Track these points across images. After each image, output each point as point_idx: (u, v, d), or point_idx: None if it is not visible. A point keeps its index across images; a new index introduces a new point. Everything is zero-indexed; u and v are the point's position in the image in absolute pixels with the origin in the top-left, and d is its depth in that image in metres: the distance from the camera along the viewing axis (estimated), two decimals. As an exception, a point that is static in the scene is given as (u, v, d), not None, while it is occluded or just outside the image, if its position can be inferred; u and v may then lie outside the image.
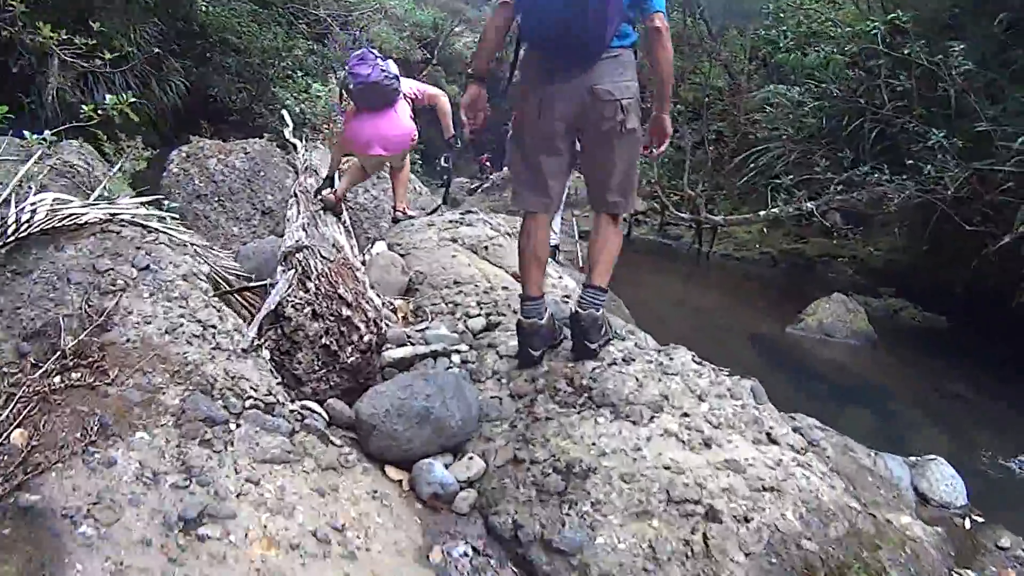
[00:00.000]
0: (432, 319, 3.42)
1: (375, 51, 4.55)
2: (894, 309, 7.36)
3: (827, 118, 8.46)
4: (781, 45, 9.20)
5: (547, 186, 2.73)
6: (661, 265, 9.07)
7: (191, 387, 2.20)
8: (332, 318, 2.65)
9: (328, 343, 2.59)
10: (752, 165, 9.25)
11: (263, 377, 2.46)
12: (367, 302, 2.78)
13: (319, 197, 4.69)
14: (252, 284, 3.01)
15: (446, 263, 3.95)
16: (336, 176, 5.25)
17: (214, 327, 2.51)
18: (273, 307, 2.70)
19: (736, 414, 2.46)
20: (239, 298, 3.28)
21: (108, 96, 3.16)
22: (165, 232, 2.98)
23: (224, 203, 7.05)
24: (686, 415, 2.43)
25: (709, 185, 9.90)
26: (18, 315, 2.32)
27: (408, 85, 4.77)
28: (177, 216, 4.81)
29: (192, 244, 3.15)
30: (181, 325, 2.42)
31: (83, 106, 3.12)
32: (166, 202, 4.37)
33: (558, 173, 2.76)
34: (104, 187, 3.10)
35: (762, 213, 8.44)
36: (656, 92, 2.60)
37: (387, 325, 2.92)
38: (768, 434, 2.40)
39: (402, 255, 4.14)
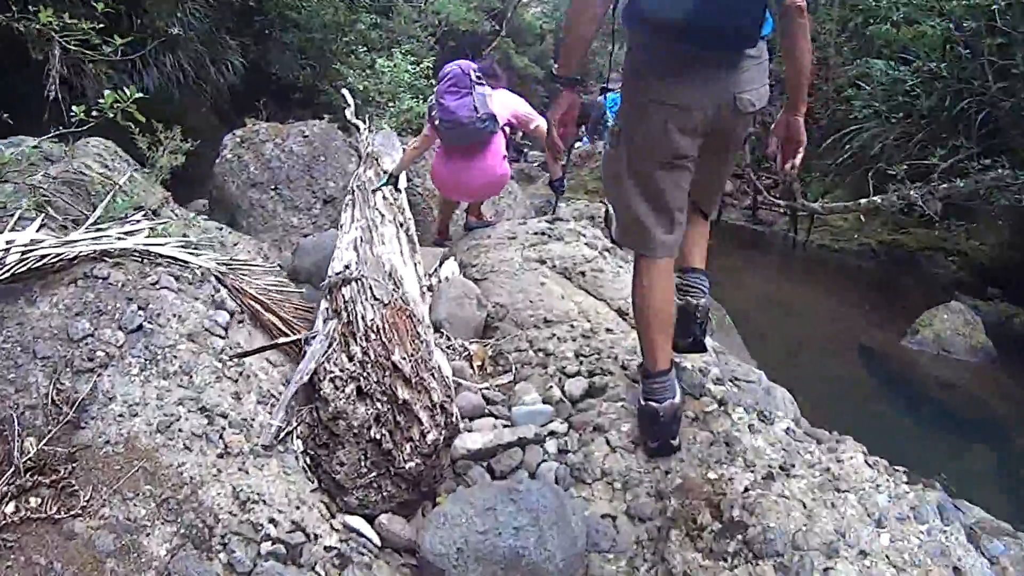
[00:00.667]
0: (517, 373, 2.68)
1: (473, 66, 3.79)
2: (1006, 315, 6.37)
3: (927, 97, 7.35)
4: (880, 14, 8.03)
5: (672, 219, 2.05)
6: (754, 257, 8.12)
7: (184, 529, 1.53)
8: (384, 400, 1.94)
9: (378, 436, 1.89)
10: (847, 146, 8.13)
11: (290, 489, 1.78)
12: (432, 374, 2.05)
13: (378, 194, 4.15)
14: (280, 341, 2.31)
15: (533, 293, 3.18)
16: (403, 176, 4.58)
17: (224, 415, 1.83)
18: (306, 379, 2.01)
19: (922, 545, 1.69)
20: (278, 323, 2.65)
21: (107, 92, 2.51)
22: (175, 259, 2.34)
23: (282, 191, 6.48)
24: (864, 555, 1.65)
25: (801, 167, 8.76)
26: (-34, 404, 1.70)
27: (505, 108, 3.96)
28: (206, 217, 4.31)
29: (214, 270, 2.50)
30: (178, 418, 1.75)
31: (73, 108, 2.49)
32: (192, 214, 3.78)
33: (682, 199, 2.07)
34: (107, 203, 2.45)
35: (863, 201, 7.30)
36: (790, 89, 1.99)
37: (455, 413, 2.15)
38: (956, 568, 1.63)
39: (477, 280, 3.40)
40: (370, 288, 2.53)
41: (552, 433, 2.23)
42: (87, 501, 1.60)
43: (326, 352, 2.09)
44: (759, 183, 8.51)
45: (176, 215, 3.99)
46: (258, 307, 2.73)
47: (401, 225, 4.03)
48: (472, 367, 2.84)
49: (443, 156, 4.08)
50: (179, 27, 8.17)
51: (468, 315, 3.08)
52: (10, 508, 1.57)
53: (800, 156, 2.04)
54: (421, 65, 10.77)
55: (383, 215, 3.92)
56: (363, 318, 2.23)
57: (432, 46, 18.27)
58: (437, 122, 3.82)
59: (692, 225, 2.21)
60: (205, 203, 7.28)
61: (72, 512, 1.57)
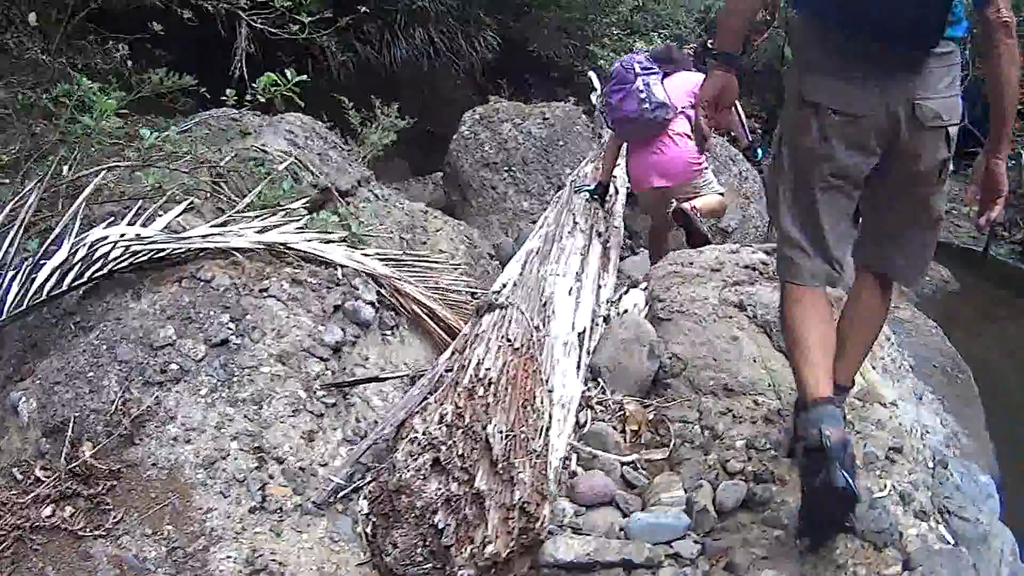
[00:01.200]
0: (675, 451, 2.14)
1: (638, 58, 3.72)
2: None
3: None
4: None
5: (827, 248, 1.69)
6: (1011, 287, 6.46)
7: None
8: (462, 480, 1.56)
9: (443, 525, 1.51)
10: None
11: (329, 561, 1.49)
12: (531, 460, 1.61)
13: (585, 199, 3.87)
14: (382, 376, 2.02)
15: (720, 348, 2.54)
16: (612, 186, 4.19)
17: (280, 460, 1.59)
18: (392, 431, 1.70)
19: None
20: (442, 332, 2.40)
21: (263, 76, 2.40)
22: (315, 256, 2.17)
23: (515, 173, 6.39)
24: None
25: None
26: (54, 393, 1.66)
27: (681, 91, 3.68)
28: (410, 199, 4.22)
29: (368, 269, 2.30)
30: (227, 455, 1.55)
31: (227, 91, 2.43)
32: (391, 193, 3.69)
33: (844, 228, 1.73)
34: (260, 190, 2.33)
35: None
36: (992, 124, 1.63)
37: (542, 518, 1.61)
38: None
39: (660, 319, 2.84)
40: (509, 322, 2.16)
41: (674, 557, 1.68)
42: (114, 524, 1.46)
43: (423, 401, 1.76)
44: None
45: (376, 196, 3.98)
46: (421, 313, 2.51)
47: (600, 235, 3.60)
48: (624, 431, 2.34)
49: (631, 154, 3.92)
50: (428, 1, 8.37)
51: (635, 365, 2.54)
52: (47, 511, 1.49)
53: (999, 208, 1.67)
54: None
55: (576, 222, 3.52)
56: (479, 364, 1.86)
57: (700, 32, 17.26)
58: (611, 122, 3.85)
59: (860, 298, 1.82)
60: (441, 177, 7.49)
61: (96, 532, 1.44)
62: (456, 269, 3.36)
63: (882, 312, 1.87)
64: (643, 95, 3.52)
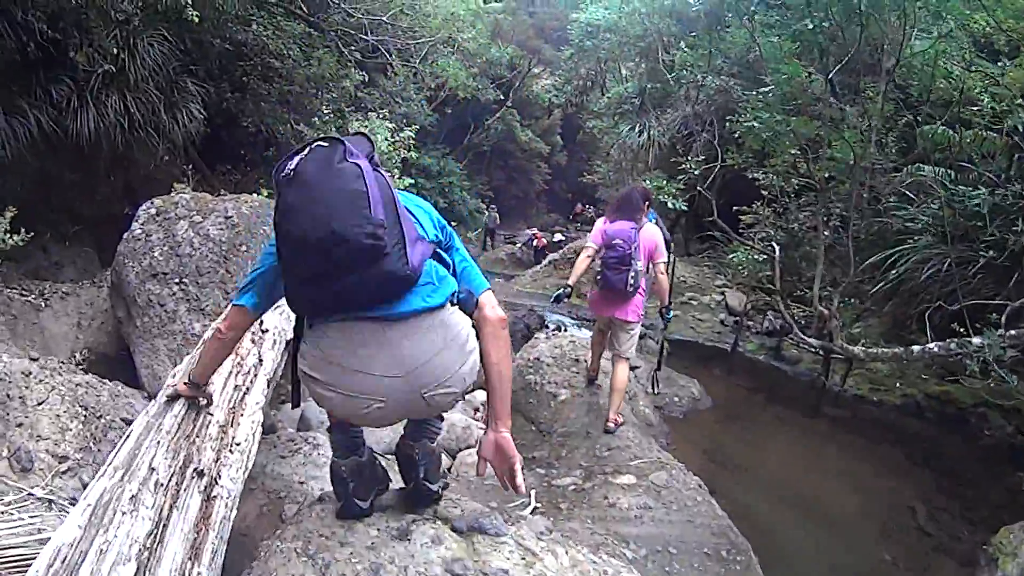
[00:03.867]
0: None
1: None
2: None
3: (990, 216, 6.14)
4: (921, 112, 6.85)
5: None
6: (774, 404, 6.57)
7: None
8: None
9: None
10: (893, 272, 6.78)
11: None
12: None
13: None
14: None
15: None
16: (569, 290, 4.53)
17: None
18: None
19: None
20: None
21: None
22: None
23: (188, 286, 5.16)
24: None
25: (836, 290, 7.24)
26: None
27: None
28: None
29: None
30: None
31: None
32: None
33: None
34: None
35: (915, 349, 5.91)
36: (490, 403, 1.81)
37: None
38: None
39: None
40: None
41: None
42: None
43: None
44: (789, 316, 7.15)
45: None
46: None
47: (201, 476, 2.10)
48: None
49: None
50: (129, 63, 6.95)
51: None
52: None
53: (519, 475, 1.78)
54: (403, 134, 9.54)
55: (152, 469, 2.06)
56: None
57: (429, 112, 17.33)
58: None
59: None
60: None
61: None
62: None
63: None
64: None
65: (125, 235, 5.44)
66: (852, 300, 7.33)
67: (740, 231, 8.76)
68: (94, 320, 5.94)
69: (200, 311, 5.02)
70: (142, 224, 5.46)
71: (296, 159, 1.64)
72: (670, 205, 7.77)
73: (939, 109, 7.09)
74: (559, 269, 11.45)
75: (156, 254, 5.22)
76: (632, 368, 5.82)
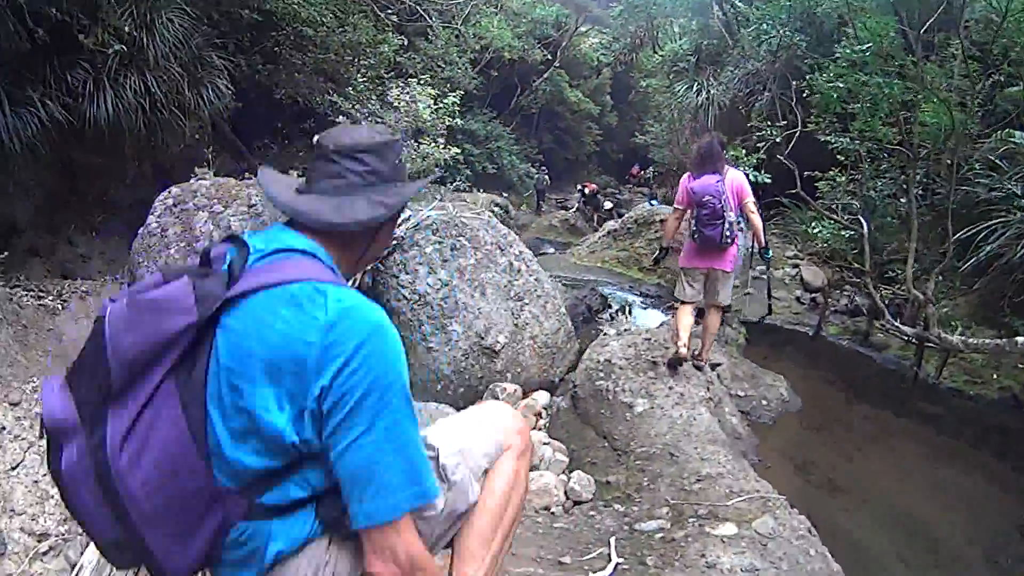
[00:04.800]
0: None
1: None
2: None
3: None
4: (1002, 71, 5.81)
5: None
6: (865, 401, 5.67)
7: None
8: None
9: None
10: (986, 248, 5.80)
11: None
12: None
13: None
14: None
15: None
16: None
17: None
18: None
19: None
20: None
21: None
22: None
23: None
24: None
25: (932, 272, 6.23)
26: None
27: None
28: None
29: None
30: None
31: None
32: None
33: None
34: None
35: (1021, 341, 4.82)
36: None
37: None
38: None
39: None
40: None
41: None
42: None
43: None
44: (877, 296, 6.21)
45: None
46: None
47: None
48: None
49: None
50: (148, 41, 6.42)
51: None
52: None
53: None
54: (447, 100, 8.82)
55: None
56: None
57: (473, 76, 16.50)
58: None
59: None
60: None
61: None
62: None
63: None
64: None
65: (140, 230, 4.92)
66: (940, 278, 6.34)
67: (814, 200, 7.76)
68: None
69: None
70: (158, 217, 4.93)
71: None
72: (751, 179, 6.84)
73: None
74: (619, 240, 10.56)
75: (172, 251, 4.68)
76: (714, 366, 5.15)
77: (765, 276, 6.80)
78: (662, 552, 2.93)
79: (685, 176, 4.51)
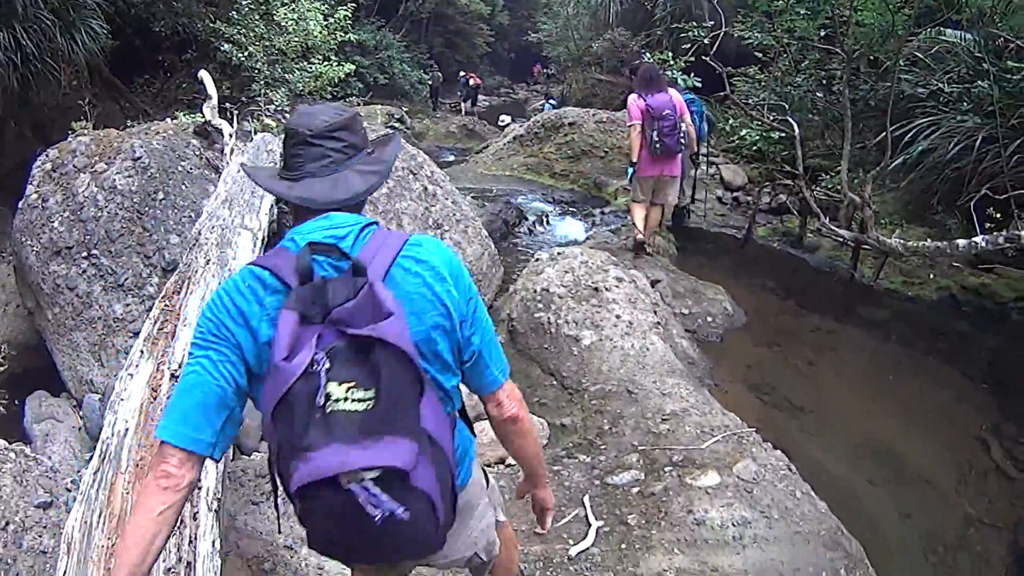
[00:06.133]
0: None
1: None
2: None
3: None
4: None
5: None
6: (808, 310, 5.60)
7: None
8: None
9: None
10: (916, 145, 5.83)
11: None
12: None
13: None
14: None
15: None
16: None
17: None
18: None
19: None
20: None
21: None
22: None
23: (99, 259, 4.11)
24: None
25: (867, 174, 6.18)
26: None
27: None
28: None
29: None
30: None
31: None
32: None
33: None
34: None
35: (961, 243, 4.68)
36: (526, 474, 1.73)
37: None
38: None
39: None
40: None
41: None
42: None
43: None
44: (814, 202, 6.13)
45: None
46: None
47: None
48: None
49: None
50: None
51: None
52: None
53: (551, 514, 1.81)
54: (338, 15, 8.19)
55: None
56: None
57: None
58: None
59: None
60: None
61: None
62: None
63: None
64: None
65: (20, 204, 4.30)
66: (861, 172, 6.35)
67: (728, 96, 7.55)
68: (8, 305, 4.86)
69: (119, 287, 3.98)
70: (37, 186, 4.31)
71: None
72: (680, 83, 6.54)
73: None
74: (526, 146, 10.18)
75: (56, 224, 4.11)
76: (654, 283, 5.07)
77: (693, 177, 7.16)
78: (643, 509, 2.82)
79: (633, 95, 5.24)
